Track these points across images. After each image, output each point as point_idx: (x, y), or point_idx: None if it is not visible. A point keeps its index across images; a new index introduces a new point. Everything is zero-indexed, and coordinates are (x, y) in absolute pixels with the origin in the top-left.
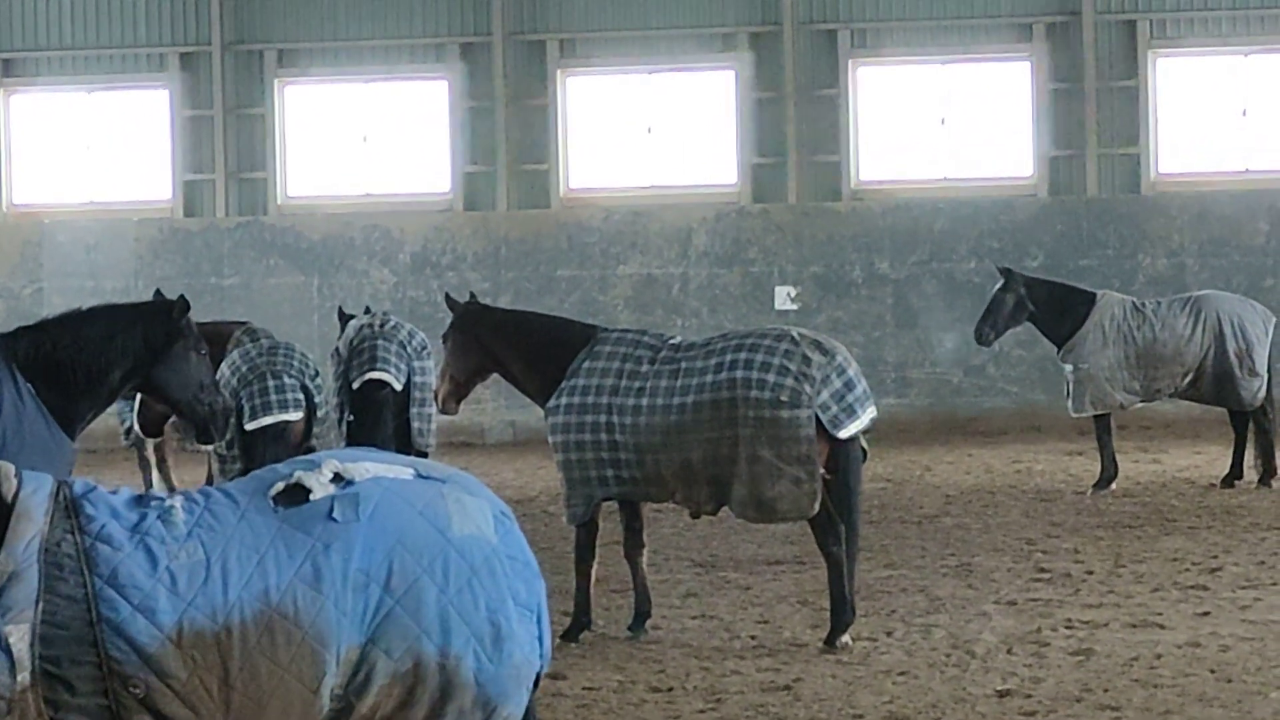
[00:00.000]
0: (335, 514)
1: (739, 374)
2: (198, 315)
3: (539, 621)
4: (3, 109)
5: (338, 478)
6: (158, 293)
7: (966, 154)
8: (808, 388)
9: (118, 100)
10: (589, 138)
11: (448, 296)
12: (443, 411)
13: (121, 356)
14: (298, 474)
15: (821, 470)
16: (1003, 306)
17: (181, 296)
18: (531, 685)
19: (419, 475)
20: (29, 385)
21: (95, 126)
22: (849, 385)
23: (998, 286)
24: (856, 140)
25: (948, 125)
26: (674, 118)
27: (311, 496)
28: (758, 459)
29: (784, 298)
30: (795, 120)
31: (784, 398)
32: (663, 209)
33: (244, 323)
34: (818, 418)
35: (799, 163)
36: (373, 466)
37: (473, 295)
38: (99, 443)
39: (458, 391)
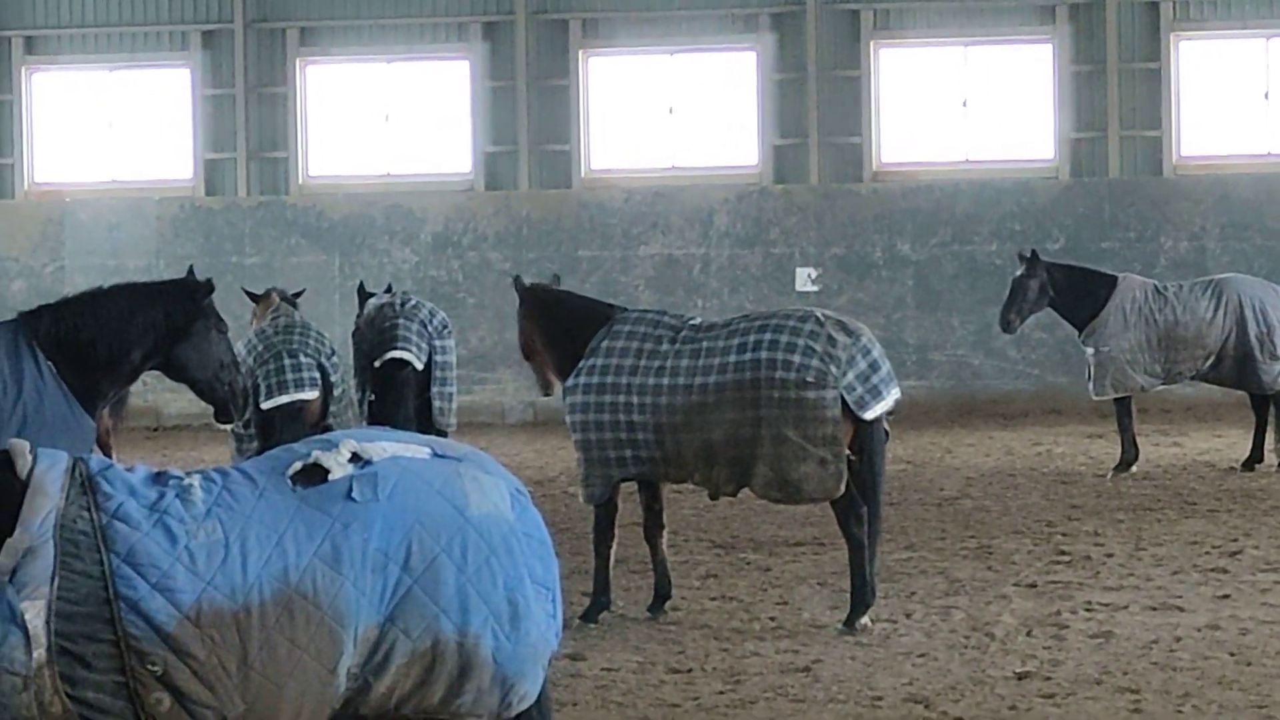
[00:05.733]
0: (354, 494)
1: (764, 355)
2: (220, 295)
3: (554, 600)
4: (24, 87)
5: (355, 457)
6: (190, 270)
7: (988, 136)
8: (833, 368)
9: (139, 79)
10: (610, 118)
11: (516, 279)
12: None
13: (142, 335)
14: (315, 454)
15: (846, 451)
16: (1027, 292)
17: (208, 279)
18: (547, 663)
19: (436, 454)
20: (50, 363)
21: (117, 105)
22: (874, 366)
23: (1020, 272)
24: (878, 121)
25: (969, 107)
26: (695, 98)
27: (330, 476)
28: (783, 440)
29: (805, 279)
30: (817, 101)
31: (810, 378)
32: (684, 190)
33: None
34: (843, 399)
35: (820, 144)
36: (390, 446)
37: (556, 277)
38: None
39: (539, 372)
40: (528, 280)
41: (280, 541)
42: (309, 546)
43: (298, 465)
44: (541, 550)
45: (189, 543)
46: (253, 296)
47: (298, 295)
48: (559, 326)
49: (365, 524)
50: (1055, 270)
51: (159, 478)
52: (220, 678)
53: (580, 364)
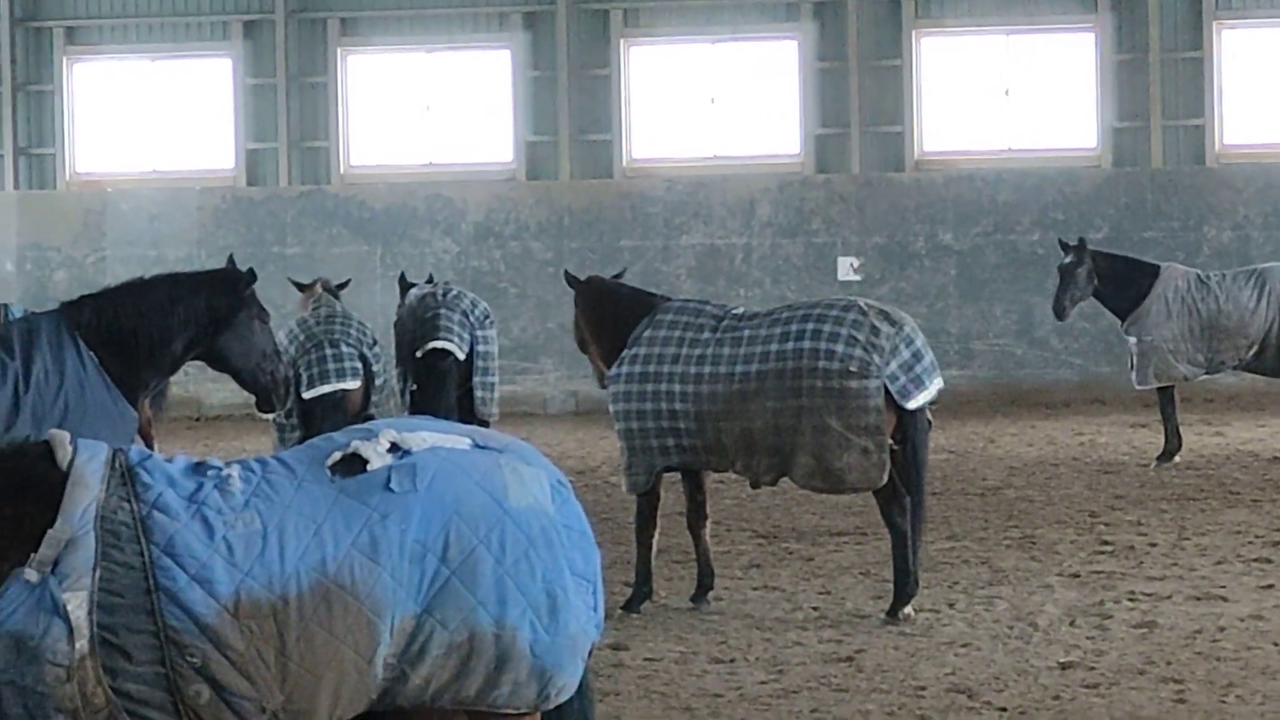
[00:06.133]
0: (393, 484)
1: (806, 344)
2: (262, 285)
3: (595, 592)
4: (66, 77)
5: (395, 447)
6: (230, 260)
7: (1030, 125)
8: (876, 358)
9: (181, 69)
10: (652, 107)
11: (566, 273)
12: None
13: (184, 325)
14: (355, 443)
15: (889, 441)
16: (1076, 279)
17: (250, 269)
18: (586, 655)
19: (476, 445)
20: (92, 354)
21: (158, 95)
22: (917, 356)
23: (1068, 260)
24: (920, 111)
25: (1011, 96)
26: (737, 88)
27: (369, 466)
28: (826, 429)
29: (847, 268)
30: (858, 90)
31: (853, 368)
32: (726, 179)
33: None
34: (886, 388)
35: (862, 133)
36: (430, 436)
37: (622, 270)
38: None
39: (595, 363)
40: (582, 273)
41: (318, 532)
42: (347, 537)
43: (336, 455)
44: (582, 542)
45: (227, 533)
46: (299, 286)
47: (343, 286)
48: (606, 317)
49: (403, 515)
50: (1099, 258)
51: (198, 468)
52: (258, 668)
53: (623, 353)
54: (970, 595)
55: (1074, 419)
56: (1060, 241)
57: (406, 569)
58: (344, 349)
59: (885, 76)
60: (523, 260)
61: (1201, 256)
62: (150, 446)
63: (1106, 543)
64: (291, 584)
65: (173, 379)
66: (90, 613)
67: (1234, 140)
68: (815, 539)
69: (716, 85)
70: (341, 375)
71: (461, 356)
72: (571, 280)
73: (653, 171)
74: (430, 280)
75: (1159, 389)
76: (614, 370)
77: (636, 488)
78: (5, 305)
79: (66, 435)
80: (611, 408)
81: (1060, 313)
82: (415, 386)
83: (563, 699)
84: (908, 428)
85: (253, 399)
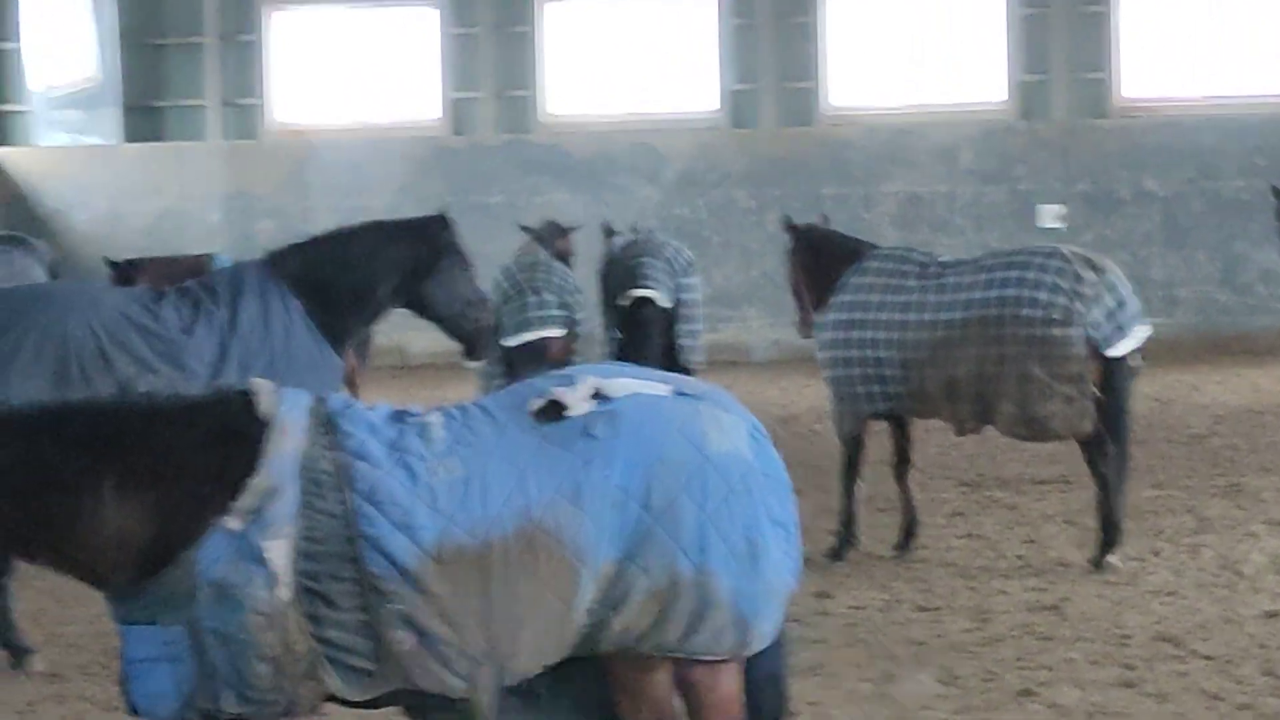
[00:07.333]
0: (594, 431)
1: (1010, 292)
2: (465, 234)
3: (792, 539)
4: (267, 27)
5: (596, 394)
6: (441, 209)
7: (1235, 70)
8: (1079, 305)
9: (384, 18)
10: (854, 54)
11: (785, 219)
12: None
13: (388, 273)
14: (556, 390)
15: (1093, 389)
16: None
17: (444, 213)
18: (784, 602)
19: (677, 392)
20: (297, 302)
21: (362, 45)
22: (1120, 303)
23: None
24: (1122, 56)
25: (1217, 39)
26: (939, 33)
27: (570, 413)
28: (1029, 377)
29: (1050, 216)
30: (1063, 35)
31: (1056, 315)
32: (928, 126)
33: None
34: (1089, 336)
35: (1066, 79)
36: (630, 383)
37: (824, 217)
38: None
39: (800, 313)
40: (796, 220)
41: (521, 478)
42: (550, 483)
43: (538, 402)
44: (779, 489)
45: (430, 480)
46: (530, 231)
47: (570, 230)
48: (817, 265)
49: (606, 461)
50: None
51: (399, 416)
52: (461, 615)
53: (830, 301)
54: (1175, 543)
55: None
56: (1273, 188)
57: (609, 515)
58: (546, 296)
59: (1089, 21)
60: (725, 208)
61: None
62: (355, 395)
63: None
64: (495, 530)
65: (376, 327)
66: (292, 561)
67: None
68: (1019, 487)
69: (918, 30)
70: (544, 323)
71: (666, 304)
72: (788, 226)
73: (855, 119)
74: (634, 228)
75: None
76: (822, 318)
77: (844, 435)
78: (211, 255)
79: (269, 384)
80: (819, 355)
81: None
82: (620, 335)
83: (761, 646)
84: (1111, 375)
85: (457, 347)
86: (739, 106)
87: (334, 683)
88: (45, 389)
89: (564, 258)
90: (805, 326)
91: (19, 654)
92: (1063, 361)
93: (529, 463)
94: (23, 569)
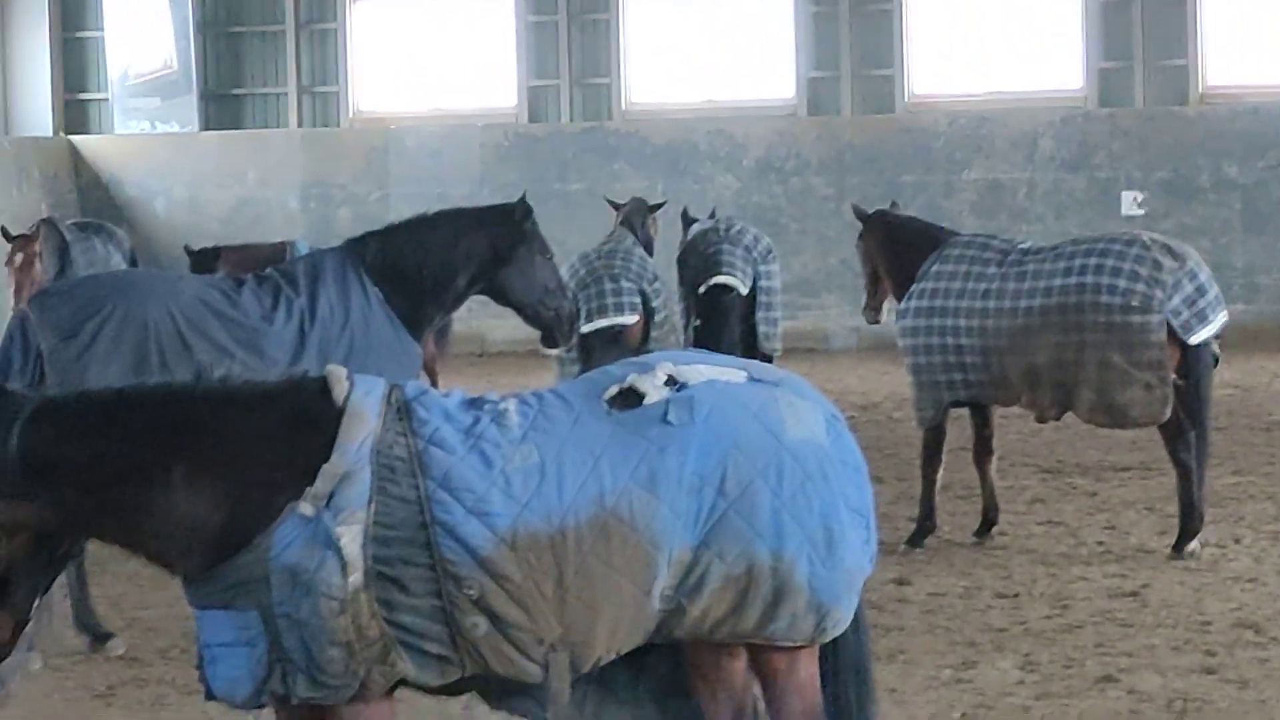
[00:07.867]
0: (670, 417)
1: (1089, 279)
2: (543, 222)
3: (868, 526)
4: (348, 16)
5: (671, 381)
6: (523, 197)
7: None
8: (1159, 292)
9: (463, 5)
10: (933, 42)
11: (854, 206)
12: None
13: (467, 261)
14: (631, 377)
15: (1172, 376)
16: None
17: (523, 199)
18: (860, 589)
19: (752, 379)
20: (376, 290)
21: (440, 33)
22: (1200, 290)
23: None
24: (1202, 43)
25: None
26: (1020, 21)
27: (645, 400)
28: (1108, 364)
29: (1130, 203)
30: (1142, 22)
31: (1135, 303)
32: (1008, 114)
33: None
34: (1169, 323)
35: (1146, 66)
36: (706, 369)
37: (895, 204)
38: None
39: (870, 299)
40: (868, 208)
41: (596, 465)
42: (625, 470)
43: (613, 389)
44: (856, 476)
45: (504, 467)
46: (617, 206)
47: (656, 208)
48: (896, 252)
49: (681, 447)
50: None
51: (474, 403)
52: (536, 601)
53: (911, 288)
54: (1256, 530)
55: None
56: None
57: (684, 501)
58: (623, 284)
59: (1170, 8)
60: (804, 196)
61: None
62: (435, 383)
63: None
64: (570, 517)
65: (455, 315)
66: (365, 546)
67: None
68: (1099, 474)
69: (999, 19)
70: (620, 310)
71: (744, 292)
72: (860, 214)
73: (934, 106)
74: (713, 216)
75: None
76: (903, 304)
77: (924, 421)
78: (291, 242)
79: (344, 370)
80: (900, 342)
81: None
82: (698, 322)
83: (838, 632)
84: (1191, 362)
85: (536, 334)
86: (817, 94)
87: (408, 668)
88: (125, 376)
89: (649, 238)
90: (873, 312)
91: (99, 638)
92: (1142, 348)
93: (604, 449)
94: (101, 553)
